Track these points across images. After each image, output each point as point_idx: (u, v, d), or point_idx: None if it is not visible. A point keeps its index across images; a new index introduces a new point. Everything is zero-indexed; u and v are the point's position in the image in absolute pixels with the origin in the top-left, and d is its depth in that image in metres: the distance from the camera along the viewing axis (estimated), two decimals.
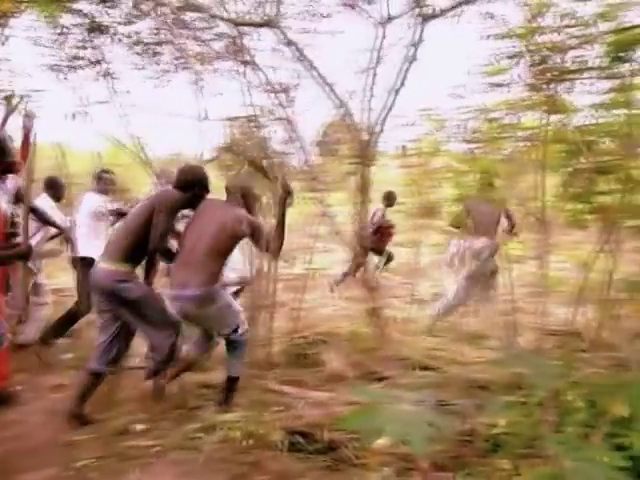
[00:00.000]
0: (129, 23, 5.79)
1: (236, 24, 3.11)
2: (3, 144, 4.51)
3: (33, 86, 5.09)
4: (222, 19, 3.35)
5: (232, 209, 4.42)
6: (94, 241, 6.06)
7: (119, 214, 6.09)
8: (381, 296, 2.26)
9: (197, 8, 3.08)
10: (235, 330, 4.47)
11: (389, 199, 8.66)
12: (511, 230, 6.56)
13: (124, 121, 4.51)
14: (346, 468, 3.59)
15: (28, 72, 5.15)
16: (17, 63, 5.21)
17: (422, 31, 1.54)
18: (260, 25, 2.65)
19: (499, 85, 4.02)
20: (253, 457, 3.68)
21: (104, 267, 4.36)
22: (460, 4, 1.69)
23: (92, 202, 6.27)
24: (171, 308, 4.30)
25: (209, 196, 4.53)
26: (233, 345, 4.53)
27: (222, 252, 4.34)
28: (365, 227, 7.51)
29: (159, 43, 5.83)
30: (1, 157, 4.55)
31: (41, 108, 5.16)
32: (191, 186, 4.39)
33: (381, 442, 1.70)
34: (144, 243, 4.35)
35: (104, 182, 5.99)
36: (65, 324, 6.08)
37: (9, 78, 5.21)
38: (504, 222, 6.57)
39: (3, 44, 4.90)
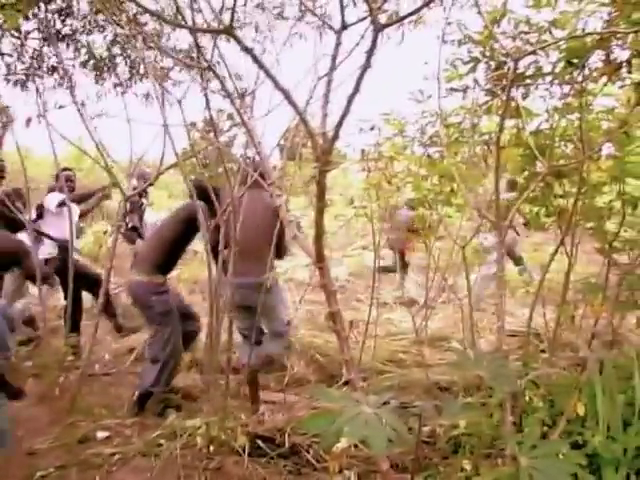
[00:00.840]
0: (88, 32, 5.76)
1: (192, 30, 3.10)
2: None
3: None
4: (178, 26, 3.35)
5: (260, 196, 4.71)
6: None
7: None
8: (340, 300, 2.27)
9: (155, 15, 3.08)
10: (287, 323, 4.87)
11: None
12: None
13: (85, 127, 4.47)
14: (309, 472, 3.62)
15: None
16: None
17: (375, 39, 1.56)
18: (216, 32, 2.65)
19: (457, 90, 4.08)
20: (216, 463, 3.67)
21: (138, 279, 4.44)
22: (414, 12, 1.72)
23: (53, 199, 6.33)
24: (234, 297, 4.35)
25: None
26: (278, 335, 4.69)
27: (271, 238, 4.40)
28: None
29: (117, 54, 5.83)
30: None
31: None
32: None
33: (343, 445, 1.70)
34: (177, 253, 4.46)
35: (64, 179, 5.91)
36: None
37: None
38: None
39: None
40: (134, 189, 7.02)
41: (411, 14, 1.84)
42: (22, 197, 6.03)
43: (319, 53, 3.98)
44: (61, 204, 6.29)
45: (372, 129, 4.97)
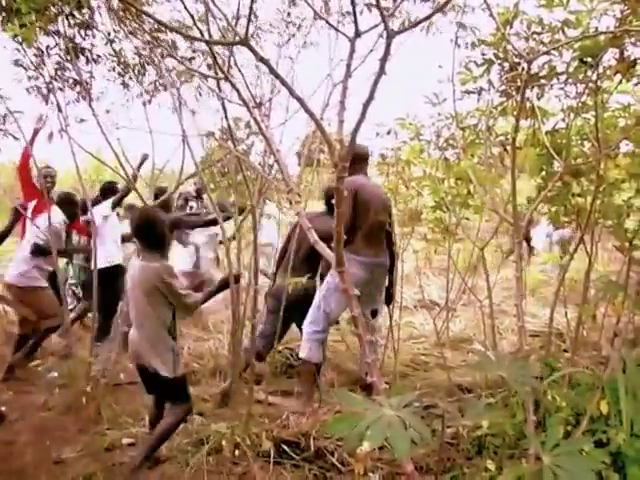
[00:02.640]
0: (108, 43, 5.84)
1: (208, 43, 3.14)
2: None
3: (15, 107, 5.10)
4: (195, 39, 3.40)
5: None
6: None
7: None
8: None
9: (171, 29, 3.12)
10: None
11: None
12: None
13: (106, 139, 4.54)
14: (334, 475, 3.64)
15: (9, 93, 5.16)
16: None
17: (389, 46, 1.58)
18: (232, 44, 2.69)
19: (472, 92, 4.09)
20: (242, 468, 3.71)
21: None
22: (427, 18, 1.74)
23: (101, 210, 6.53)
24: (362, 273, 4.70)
25: None
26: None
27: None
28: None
29: (138, 64, 5.90)
30: None
31: (24, 129, 5.17)
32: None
33: (367, 448, 1.72)
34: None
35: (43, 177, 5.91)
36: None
37: None
38: None
39: None
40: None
41: (423, 20, 1.87)
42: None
43: (333, 59, 4.02)
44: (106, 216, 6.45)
45: (388, 133, 5.00)
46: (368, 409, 1.83)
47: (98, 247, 5.40)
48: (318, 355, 4.77)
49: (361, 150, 4.75)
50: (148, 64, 5.80)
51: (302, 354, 4.80)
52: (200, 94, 6.08)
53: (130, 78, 6.09)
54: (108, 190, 6.94)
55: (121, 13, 5.01)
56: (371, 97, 1.78)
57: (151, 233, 3.63)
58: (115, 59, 5.91)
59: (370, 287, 4.73)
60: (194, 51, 5.70)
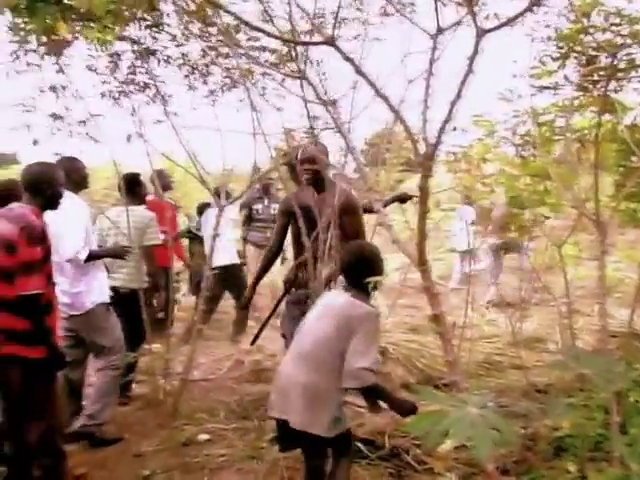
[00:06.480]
0: (177, 45, 5.96)
1: (294, 44, 3.16)
2: None
3: (91, 111, 5.25)
4: (279, 38, 3.42)
5: None
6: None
7: None
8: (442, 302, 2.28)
9: (254, 28, 3.15)
10: None
11: None
12: None
13: (178, 140, 4.63)
14: (409, 474, 3.63)
15: (86, 98, 5.32)
16: (75, 90, 5.38)
17: (477, 44, 1.55)
18: (318, 44, 2.69)
19: (547, 87, 4.02)
20: None
21: None
22: (518, 16, 1.70)
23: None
24: None
25: None
26: None
27: None
28: None
29: (209, 63, 6.00)
30: None
31: (99, 132, 5.31)
32: None
33: (445, 447, 1.72)
34: None
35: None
36: None
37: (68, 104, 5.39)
38: None
39: (63, 72, 5.08)
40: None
41: (515, 18, 1.84)
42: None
43: (406, 55, 3.98)
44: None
45: (454, 129, 4.94)
46: (452, 407, 1.82)
47: (219, 246, 5.59)
48: None
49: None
50: (215, 65, 5.88)
51: None
52: (263, 93, 6.14)
53: (195, 80, 6.20)
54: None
55: (188, 15, 5.10)
56: (459, 95, 1.77)
57: (365, 272, 3.09)
58: (182, 61, 6.03)
59: None
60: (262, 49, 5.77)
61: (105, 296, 4.50)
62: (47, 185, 3.40)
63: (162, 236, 5.40)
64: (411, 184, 13.80)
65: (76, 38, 4.79)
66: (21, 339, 3.21)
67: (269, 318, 4.83)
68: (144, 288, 4.98)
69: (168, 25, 5.73)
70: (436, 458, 3.02)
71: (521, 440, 3.19)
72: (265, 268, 4.92)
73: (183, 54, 5.99)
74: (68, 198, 4.25)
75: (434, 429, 1.71)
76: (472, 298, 5.30)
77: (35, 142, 5.71)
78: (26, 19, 4.27)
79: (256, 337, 4.92)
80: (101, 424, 4.34)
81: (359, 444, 3.82)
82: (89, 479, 3.84)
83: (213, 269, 5.26)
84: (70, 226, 4.14)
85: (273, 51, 5.89)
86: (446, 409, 1.81)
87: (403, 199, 4.92)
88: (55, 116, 5.72)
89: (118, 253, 4.76)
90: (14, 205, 3.39)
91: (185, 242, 8.28)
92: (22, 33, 4.65)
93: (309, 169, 4.36)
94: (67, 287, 4.23)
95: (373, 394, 3.11)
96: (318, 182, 4.40)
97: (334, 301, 3.20)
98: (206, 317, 6.66)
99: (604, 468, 3.01)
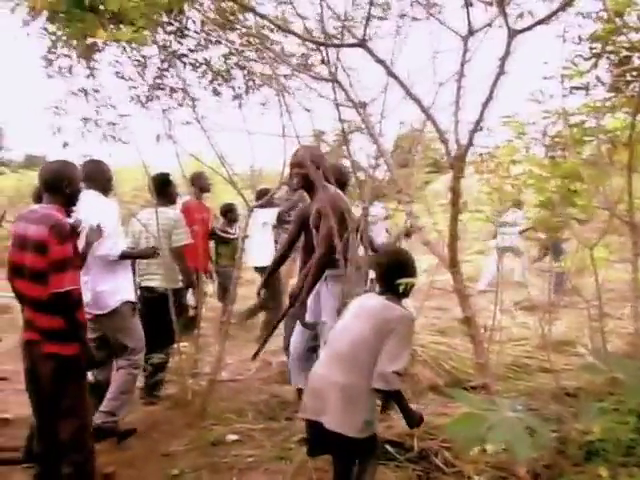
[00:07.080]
0: (203, 49, 6.01)
1: (326, 46, 3.17)
2: None
3: (120, 113, 5.32)
4: (311, 41, 3.42)
5: None
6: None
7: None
8: (473, 304, 2.27)
9: (285, 30, 3.15)
10: None
11: None
12: None
13: (206, 141, 4.66)
14: (438, 476, 3.61)
15: (115, 102, 5.40)
16: (105, 94, 5.47)
17: (509, 45, 1.53)
18: (350, 46, 2.69)
19: (579, 88, 3.98)
20: None
21: None
22: (551, 16, 1.68)
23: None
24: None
25: None
26: None
27: None
28: None
29: (233, 66, 6.04)
30: None
31: (128, 133, 5.38)
32: None
33: (490, 449, 1.71)
34: None
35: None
36: None
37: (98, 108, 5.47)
38: None
39: (94, 77, 5.16)
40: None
41: (548, 17, 1.83)
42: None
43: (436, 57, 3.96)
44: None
45: (480, 130, 4.89)
46: (486, 410, 1.81)
47: (254, 248, 5.62)
48: None
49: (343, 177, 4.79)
50: (241, 68, 5.92)
51: None
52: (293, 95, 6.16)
53: (220, 84, 6.24)
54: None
55: (212, 22, 5.14)
56: (490, 96, 1.76)
57: (400, 276, 3.07)
58: (206, 66, 6.08)
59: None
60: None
61: (131, 295, 4.55)
62: (67, 183, 3.39)
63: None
64: (438, 185, 13.76)
65: (106, 44, 4.86)
66: (58, 337, 3.26)
67: (273, 330, 4.90)
68: (177, 288, 5.05)
69: (195, 32, 5.79)
70: (466, 461, 3.00)
71: (555, 444, 3.15)
72: (271, 272, 5.19)
73: (205, 59, 6.05)
74: (97, 197, 4.31)
75: (472, 432, 1.70)
76: (501, 300, 5.28)
77: (65, 144, 5.79)
78: (60, 25, 4.33)
79: (258, 351, 4.97)
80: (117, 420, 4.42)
81: (387, 446, 3.82)
82: (117, 478, 3.87)
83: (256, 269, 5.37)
84: (102, 224, 4.17)
85: (302, 55, 5.92)
86: (481, 412, 1.80)
87: (408, 234, 5.15)
88: (85, 119, 5.80)
89: (148, 254, 4.83)
90: (35, 207, 3.44)
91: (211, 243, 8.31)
92: (54, 38, 4.72)
93: (298, 173, 4.38)
94: (91, 285, 4.27)
95: (394, 398, 3.11)
96: (309, 187, 4.41)
97: (368, 303, 3.20)
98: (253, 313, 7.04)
99: (636, 473, 2.97)
